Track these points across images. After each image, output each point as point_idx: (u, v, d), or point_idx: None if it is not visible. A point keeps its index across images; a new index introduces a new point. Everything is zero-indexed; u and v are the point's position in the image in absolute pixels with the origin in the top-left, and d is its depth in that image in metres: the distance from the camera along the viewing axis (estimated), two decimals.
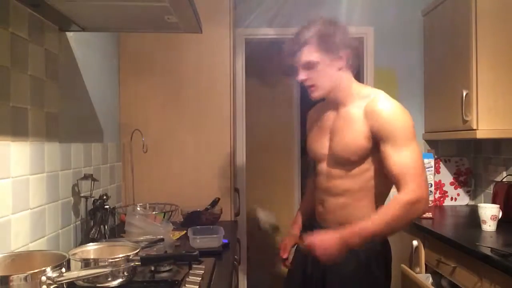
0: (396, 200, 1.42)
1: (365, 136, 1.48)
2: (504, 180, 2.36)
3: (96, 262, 1.20)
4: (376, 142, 1.48)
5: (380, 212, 1.45)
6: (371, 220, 1.42)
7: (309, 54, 1.51)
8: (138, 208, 2.11)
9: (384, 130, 1.45)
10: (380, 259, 1.57)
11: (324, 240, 1.42)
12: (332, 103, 1.62)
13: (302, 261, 1.67)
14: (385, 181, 1.52)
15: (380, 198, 1.57)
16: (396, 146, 1.43)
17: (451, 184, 2.84)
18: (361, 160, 1.52)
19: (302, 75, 1.54)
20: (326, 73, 1.53)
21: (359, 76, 2.94)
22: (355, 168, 1.53)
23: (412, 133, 1.46)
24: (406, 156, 1.42)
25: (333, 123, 1.60)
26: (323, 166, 1.63)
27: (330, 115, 1.63)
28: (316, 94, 1.57)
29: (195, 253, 1.30)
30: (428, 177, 2.39)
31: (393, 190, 1.52)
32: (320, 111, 1.71)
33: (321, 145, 1.64)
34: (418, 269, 2.24)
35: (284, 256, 1.77)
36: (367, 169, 1.53)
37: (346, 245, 1.40)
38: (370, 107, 1.49)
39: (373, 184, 1.55)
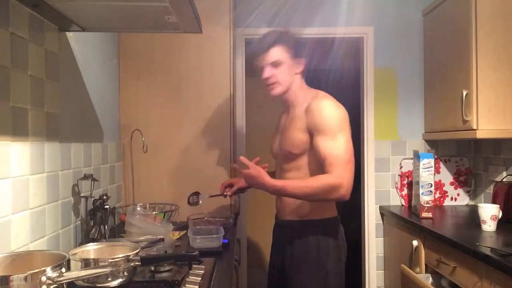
0: (321, 178, 1.58)
1: (303, 130, 1.68)
2: (504, 180, 2.36)
3: (96, 262, 1.20)
4: (312, 136, 1.66)
5: (303, 183, 1.63)
6: (293, 185, 1.61)
7: (277, 53, 1.71)
8: (138, 208, 2.11)
9: (317, 123, 1.64)
10: (330, 247, 1.71)
11: (256, 177, 1.61)
12: (285, 106, 1.84)
13: (271, 253, 1.93)
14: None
15: None
16: (326, 136, 1.62)
17: (451, 184, 2.84)
18: (302, 152, 1.70)
19: (267, 72, 1.72)
20: (287, 73, 1.73)
21: (359, 76, 2.95)
22: (298, 161, 1.72)
23: (341, 126, 1.63)
24: (334, 146, 1.60)
25: (284, 123, 1.83)
26: (277, 162, 1.88)
27: (283, 117, 1.87)
28: (276, 91, 1.74)
29: (195, 253, 1.30)
30: (428, 177, 2.39)
31: None
32: (281, 115, 1.93)
33: (275, 144, 1.87)
34: (418, 269, 2.24)
35: (225, 191, 2.03)
36: (311, 162, 1.70)
37: (266, 189, 1.63)
38: (309, 105, 1.69)
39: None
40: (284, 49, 1.71)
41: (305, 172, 1.71)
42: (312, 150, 1.68)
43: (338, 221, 1.80)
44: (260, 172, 1.61)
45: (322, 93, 1.75)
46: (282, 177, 1.77)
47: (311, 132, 1.66)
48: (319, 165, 1.65)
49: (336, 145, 1.60)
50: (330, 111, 1.65)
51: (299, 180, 1.66)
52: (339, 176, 1.56)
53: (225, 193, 2.03)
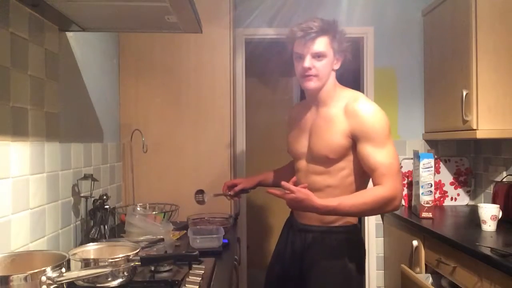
0: (374, 192, 1.49)
1: (345, 134, 1.56)
2: (504, 180, 2.36)
3: (96, 262, 1.20)
4: (354, 141, 1.55)
5: (357, 199, 1.50)
6: (347, 203, 1.48)
7: (323, 45, 1.58)
8: (138, 208, 2.11)
9: (365, 130, 1.53)
10: (354, 255, 1.65)
11: (304, 201, 1.44)
12: (313, 102, 1.70)
13: (281, 255, 1.78)
14: (361, 178, 1.60)
15: None
16: (375, 145, 1.51)
17: (451, 184, 2.84)
18: (339, 158, 1.60)
19: (308, 63, 1.58)
20: (327, 68, 1.61)
21: (359, 76, 2.94)
22: (333, 166, 1.61)
23: (388, 133, 1.55)
24: (385, 155, 1.51)
25: (313, 122, 1.68)
26: (302, 163, 1.72)
27: (310, 115, 1.71)
28: (313, 85, 1.61)
29: (195, 253, 1.30)
30: (428, 177, 2.39)
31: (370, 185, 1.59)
32: (300, 111, 1.78)
33: (301, 144, 1.72)
34: (418, 269, 2.24)
35: (228, 191, 1.97)
36: (344, 167, 1.61)
37: (316, 211, 1.47)
38: (350, 107, 1.57)
39: (350, 181, 1.62)
40: (330, 41, 1.58)
41: (336, 178, 1.61)
42: (349, 156, 1.59)
43: (359, 227, 1.72)
44: (308, 195, 1.44)
45: (361, 94, 1.64)
46: (308, 180, 1.64)
47: (355, 138, 1.55)
48: (355, 171, 1.59)
49: (386, 154, 1.51)
50: (378, 117, 1.54)
51: (351, 197, 1.53)
52: (392, 187, 1.48)
53: (229, 193, 1.99)
